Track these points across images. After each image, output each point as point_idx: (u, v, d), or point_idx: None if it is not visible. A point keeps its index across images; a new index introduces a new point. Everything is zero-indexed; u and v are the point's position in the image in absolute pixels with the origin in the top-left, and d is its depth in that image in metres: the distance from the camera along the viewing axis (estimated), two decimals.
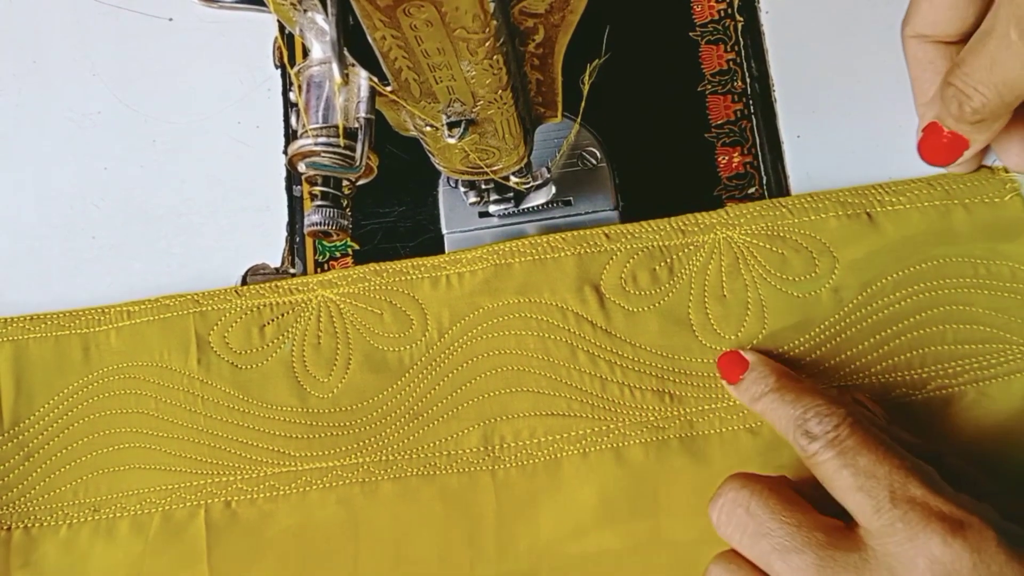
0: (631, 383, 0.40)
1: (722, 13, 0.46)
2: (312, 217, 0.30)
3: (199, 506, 0.41)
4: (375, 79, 0.27)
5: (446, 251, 0.43)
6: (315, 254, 0.44)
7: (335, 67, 0.24)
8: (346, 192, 0.30)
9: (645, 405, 0.40)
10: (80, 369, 0.42)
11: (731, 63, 0.45)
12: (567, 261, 0.41)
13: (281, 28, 0.45)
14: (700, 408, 0.40)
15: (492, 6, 0.24)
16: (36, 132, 0.47)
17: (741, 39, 0.45)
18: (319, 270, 0.44)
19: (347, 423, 0.41)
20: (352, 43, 0.25)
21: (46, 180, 0.46)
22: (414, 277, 0.42)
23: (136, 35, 0.48)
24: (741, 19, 0.45)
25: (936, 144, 0.39)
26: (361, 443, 0.41)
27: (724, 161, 0.44)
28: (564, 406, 0.40)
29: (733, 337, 0.40)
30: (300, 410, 0.41)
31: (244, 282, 0.44)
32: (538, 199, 0.41)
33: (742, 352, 0.39)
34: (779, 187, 0.43)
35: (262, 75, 0.47)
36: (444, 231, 0.44)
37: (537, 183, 0.41)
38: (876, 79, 0.43)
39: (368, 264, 0.42)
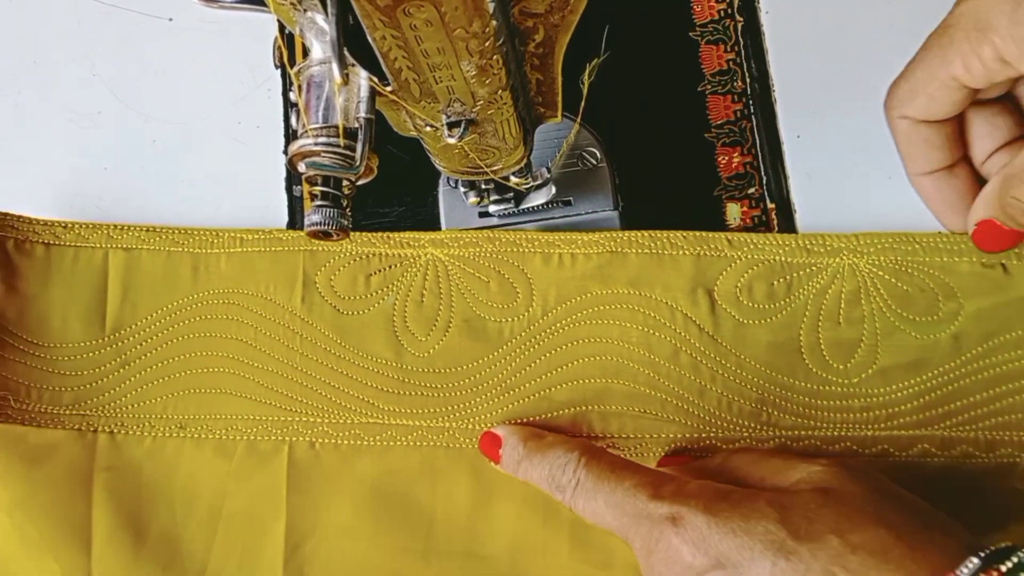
0: (730, 395, 0.39)
1: (722, 13, 0.46)
2: (312, 217, 0.30)
3: (283, 442, 0.41)
4: (375, 79, 0.27)
5: None
6: None
7: (335, 67, 0.24)
8: (346, 192, 0.30)
9: (741, 421, 0.39)
10: (187, 287, 0.42)
11: (731, 63, 0.45)
12: (685, 260, 0.40)
13: (281, 28, 0.45)
14: (796, 433, 0.39)
15: (492, 6, 0.24)
16: (36, 132, 0.47)
17: (741, 39, 0.45)
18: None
19: (439, 385, 0.41)
20: (352, 43, 0.25)
21: (46, 180, 0.46)
22: (526, 250, 0.41)
23: (136, 35, 0.48)
24: (741, 19, 0.45)
25: (993, 235, 0.38)
26: (450, 407, 0.41)
27: (724, 161, 0.44)
28: (658, 407, 0.40)
29: (842, 367, 0.39)
30: (394, 365, 0.41)
31: None
32: (538, 199, 0.41)
33: (493, 430, 0.39)
34: (779, 187, 0.43)
35: (262, 75, 0.47)
36: None
37: (537, 183, 0.41)
38: (876, 79, 0.43)
39: (482, 230, 0.42)
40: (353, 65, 0.26)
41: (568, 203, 0.43)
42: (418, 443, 0.41)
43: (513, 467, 0.38)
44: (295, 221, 0.45)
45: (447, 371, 0.41)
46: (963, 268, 0.40)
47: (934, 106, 0.36)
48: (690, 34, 0.45)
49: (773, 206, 0.43)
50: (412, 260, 0.42)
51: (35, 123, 0.47)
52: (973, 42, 0.33)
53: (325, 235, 0.30)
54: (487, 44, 0.25)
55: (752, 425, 0.39)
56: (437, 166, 0.36)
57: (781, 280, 0.40)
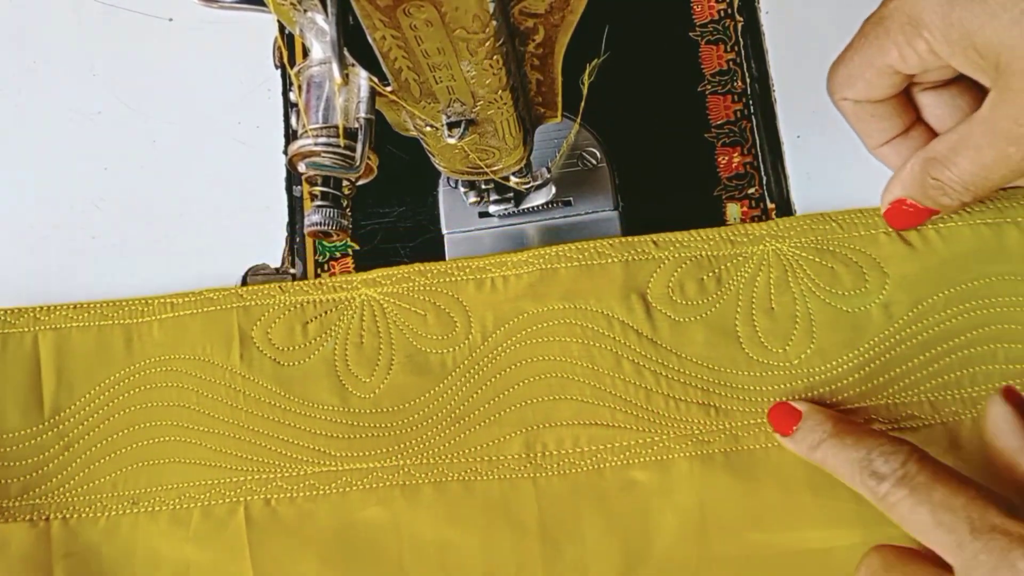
0: (676, 395, 0.40)
1: (722, 13, 0.46)
2: (312, 217, 0.30)
3: (238, 503, 0.40)
4: (375, 79, 0.27)
5: (446, 252, 0.43)
6: (315, 254, 0.44)
7: (335, 67, 0.24)
8: (346, 192, 0.30)
9: (690, 418, 0.39)
10: (122, 360, 0.42)
11: (731, 63, 0.45)
12: (614, 268, 0.41)
13: (281, 28, 0.45)
14: (746, 423, 0.39)
15: (492, 6, 0.24)
16: (36, 132, 0.47)
17: (741, 39, 0.45)
18: (319, 271, 0.44)
19: (388, 424, 0.41)
20: (352, 43, 0.25)
21: (46, 180, 0.46)
22: (458, 279, 0.41)
23: (136, 35, 0.48)
24: (741, 19, 0.45)
25: (906, 214, 0.39)
26: (402, 445, 0.40)
27: (724, 161, 0.44)
28: (608, 416, 0.40)
29: (781, 351, 0.40)
30: (341, 410, 0.41)
31: (244, 282, 0.44)
32: (538, 199, 0.41)
33: (792, 403, 0.38)
34: (779, 187, 0.43)
35: (262, 75, 0.47)
36: (444, 231, 0.44)
37: (537, 183, 0.41)
38: None
39: (413, 264, 0.42)
40: (353, 65, 0.26)
41: (568, 203, 0.43)
42: (374, 485, 0.40)
43: (810, 444, 0.36)
44: (295, 221, 0.45)
45: (395, 409, 0.41)
46: (881, 239, 0.40)
47: (874, 90, 0.36)
48: (690, 34, 0.45)
49: (773, 206, 0.43)
50: (347, 303, 0.42)
51: (35, 123, 0.47)
52: (907, 35, 0.33)
53: (325, 235, 0.30)
54: (487, 44, 0.25)
55: (702, 421, 0.39)
56: (437, 166, 0.36)
57: (710, 274, 0.41)
